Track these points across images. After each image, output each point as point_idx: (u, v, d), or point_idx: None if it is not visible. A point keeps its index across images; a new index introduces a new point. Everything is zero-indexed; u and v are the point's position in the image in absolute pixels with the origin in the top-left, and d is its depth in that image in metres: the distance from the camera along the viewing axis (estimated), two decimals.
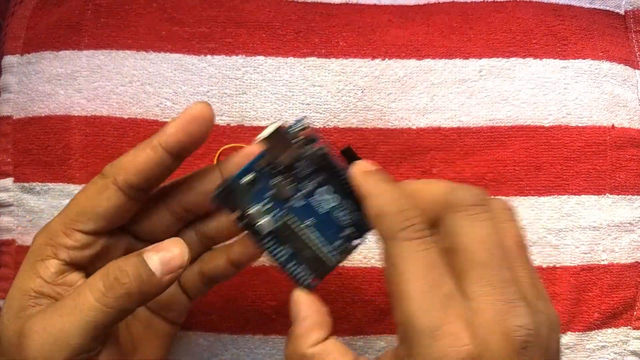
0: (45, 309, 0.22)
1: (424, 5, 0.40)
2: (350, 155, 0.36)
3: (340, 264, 0.36)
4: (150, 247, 0.23)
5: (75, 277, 0.24)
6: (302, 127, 0.25)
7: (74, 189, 0.37)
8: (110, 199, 0.24)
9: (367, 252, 0.36)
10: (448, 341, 0.19)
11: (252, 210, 0.25)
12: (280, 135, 0.25)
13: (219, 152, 0.36)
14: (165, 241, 0.23)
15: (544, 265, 0.36)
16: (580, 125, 0.37)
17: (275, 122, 0.25)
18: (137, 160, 0.24)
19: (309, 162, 0.25)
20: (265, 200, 0.25)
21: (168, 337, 0.28)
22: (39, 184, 0.37)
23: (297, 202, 0.26)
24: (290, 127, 0.25)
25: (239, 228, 0.26)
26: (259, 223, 0.25)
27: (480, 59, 0.38)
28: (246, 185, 0.25)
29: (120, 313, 0.22)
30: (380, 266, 0.36)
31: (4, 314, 0.23)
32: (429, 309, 0.19)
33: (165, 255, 0.23)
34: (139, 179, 0.24)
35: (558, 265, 0.36)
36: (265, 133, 0.25)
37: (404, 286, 0.20)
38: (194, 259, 0.28)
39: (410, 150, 0.37)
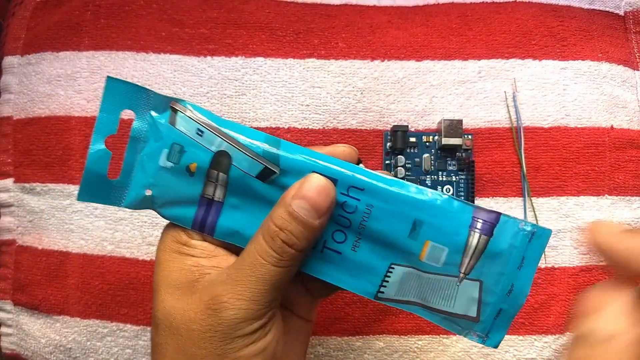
0: (223, 280, 0.23)
1: (424, 6, 0.40)
2: None
3: None
4: (291, 191, 0.23)
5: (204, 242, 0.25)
6: None
7: (74, 189, 0.37)
8: None
9: None
10: None
11: None
12: None
13: None
14: (306, 183, 0.22)
15: (543, 266, 0.36)
16: (579, 126, 0.37)
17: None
18: None
19: None
20: None
21: (305, 332, 0.28)
22: (40, 184, 0.37)
23: None
24: None
25: None
26: None
27: (479, 60, 0.38)
28: None
29: (292, 268, 0.23)
30: None
31: (164, 300, 0.24)
32: None
33: (312, 199, 0.22)
34: None
35: (557, 266, 0.36)
36: None
37: None
38: None
39: None
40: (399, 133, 0.36)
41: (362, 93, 0.38)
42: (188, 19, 0.38)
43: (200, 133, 0.23)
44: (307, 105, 0.37)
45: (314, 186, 0.22)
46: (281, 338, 0.25)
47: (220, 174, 0.23)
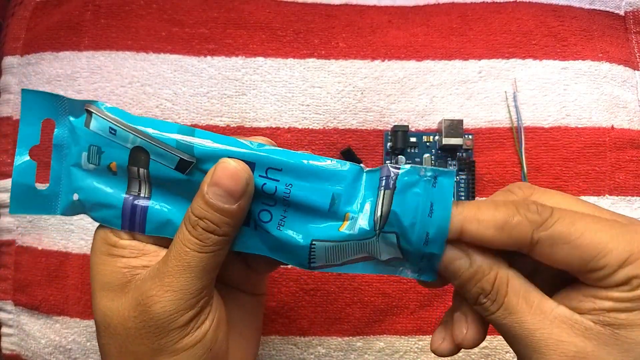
0: (151, 275, 0.23)
1: (424, 6, 0.40)
2: (350, 156, 0.37)
3: None
4: (207, 179, 0.23)
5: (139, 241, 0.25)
6: None
7: None
8: None
9: None
10: None
11: None
12: None
13: None
14: (218, 169, 0.22)
15: None
16: (579, 126, 0.37)
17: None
18: None
19: None
20: None
21: (257, 306, 0.29)
22: (40, 184, 0.37)
23: None
24: None
25: None
26: None
27: (479, 60, 0.38)
28: None
29: (219, 253, 0.23)
30: None
31: (100, 302, 0.24)
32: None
33: (225, 185, 0.22)
34: None
35: None
36: None
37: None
38: None
39: None
40: (400, 133, 0.36)
41: (362, 93, 0.38)
42: (188, 19, 0.38)
43: (113, 132, 0.23)
44: (308, 105, 0.37)
45: (226, 172, 0.22)
46: (222, 323, 0.25)
47: (141, 169, 0.23)
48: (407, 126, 0.37)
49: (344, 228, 0.23)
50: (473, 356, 0.35)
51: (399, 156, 0.37)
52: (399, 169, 0.22)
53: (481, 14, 0.39)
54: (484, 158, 0.37)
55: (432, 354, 0.36)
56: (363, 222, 0.23)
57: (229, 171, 0.22)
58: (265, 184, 0.23)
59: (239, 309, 0.27)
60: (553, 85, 0.38)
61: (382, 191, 0.22)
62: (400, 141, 0.36)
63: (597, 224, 0.21)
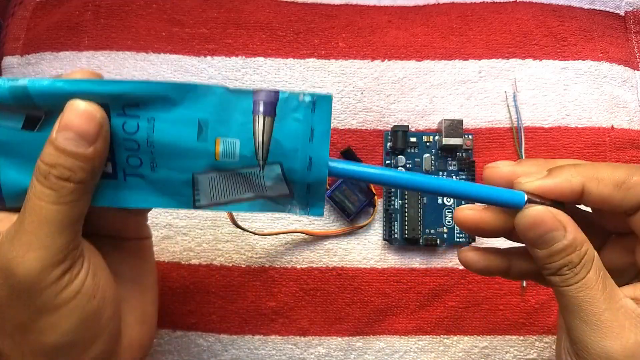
0: (9, 238, 0.21)
1: (424, 6, 0.40)
2: (350, 156, 0.37)
3: (340, 265, 0.36)
4: (56, 125, 0.21)
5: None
6: None
7: None
8: None
9: (366, 253, 0.36)
10: None
11: None
12: None
13: None
14: (67, 111, 0.21)
15: None
16: (579, 126, 0.37)
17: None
18: None
19: None
20: None
21: (145, 249, 0.28)
22: None
23: None
24: None
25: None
26: None
27: (479, 60, 0.38)
28: None
29: (78, 203, 0.22)
30: (380, 267, 0.36)
31: None
32: None
33: (77, 126, 0.21)
34: None
35: None
36: None
37: None
38: None
39: None
40: (400, 133, 0.36)
41: (362, 93, 0.38)
42: (188, 18, 0.38)
43: None
44: None
45: (76, 113, 0.20)
46: (100, 269, 0.23)
47: None
48: (407, 126, 0.37)
49: (221, 156, 0.22)
50: (473, 356, 0.35)
51: (399, 156, 0.37)
52: (277, 93, 0.21)
53: (481, 14, 0.39)
54: (484, 158, 0.37)
55: (433, 354, 0.36)
56: (243, 148, 0.22)
57: (80, 111, 0.20)
58: (125, 122, 0.21)
59: (125, 257, 0.26)
60: (553, 85, 0.38)
61: (261, 117, 0.21)
62: (400, 141, 0.36)
63: None
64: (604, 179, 0.22)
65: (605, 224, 0.25)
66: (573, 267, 0.22)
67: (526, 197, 0.22)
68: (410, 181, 0.23)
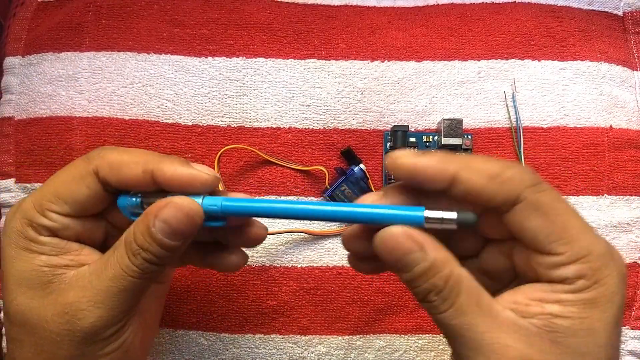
0: (81, 285, 0.23)
1: (423, 7, 0.40)
2: (350, 156, 0.37)
3: (340, 264, 0.36)
4: (153, 209, 0.22)
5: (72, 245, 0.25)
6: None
7: None
8: (90, 187, 0.24)
9: None
10: None
11: None
12: None
13: (219, 153, 0.37)
14: (167, 208, 0.22)
15: None
16: (578, 126, 0.38)
17: None
18: (123, 170, 0.23)
19: None
20: None
21: (163, 292, 0.30)
22: (41, 184, 0.37)
23: None
24: None
25: None
26: None
27: (479, 60, 0.38)
28: None
29: (153, 278, 0.24)
30: None
31: (16, 298, 0.23)
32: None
33: (176, 225, 0.22)
34: (119, 183, 0.24)
35: None
36: None
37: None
38: None
39: None
40: (399, 133, 0.36)
41: (362, 93, 0.38)
42: (189, 19, 0.39)
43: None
44: (308, 105, 0.38)
45: (179, 211, 0.22)
46: (139, 327, 0.25)
47: None
48: (407, 126, 0.37)
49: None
50: None
51: None
52: None
53: (480, 14, 0.39)
54: None
55: (432, 353, 0.36)
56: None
57: (183, 211, 0.22)
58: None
59: (146, 298, 0.27)
60: (552, 85, 0.38)
61: None
62: (400, 141, 0.36)
63: (577, 217, 0.21)
64: (478, 169, 0.21)
65: (483, 230, 0.23)
66: (439, 291, 0.20)
67: (425, 214, 0.21)
68: (298, 211, 0.22)
